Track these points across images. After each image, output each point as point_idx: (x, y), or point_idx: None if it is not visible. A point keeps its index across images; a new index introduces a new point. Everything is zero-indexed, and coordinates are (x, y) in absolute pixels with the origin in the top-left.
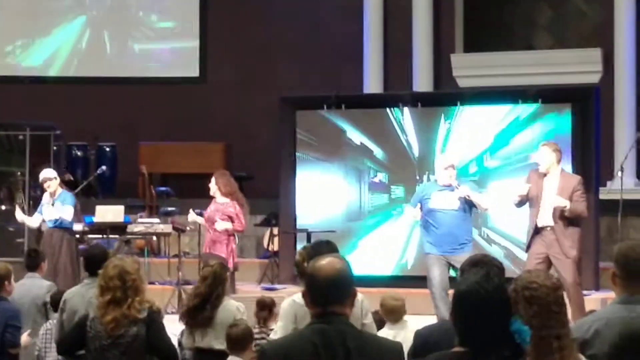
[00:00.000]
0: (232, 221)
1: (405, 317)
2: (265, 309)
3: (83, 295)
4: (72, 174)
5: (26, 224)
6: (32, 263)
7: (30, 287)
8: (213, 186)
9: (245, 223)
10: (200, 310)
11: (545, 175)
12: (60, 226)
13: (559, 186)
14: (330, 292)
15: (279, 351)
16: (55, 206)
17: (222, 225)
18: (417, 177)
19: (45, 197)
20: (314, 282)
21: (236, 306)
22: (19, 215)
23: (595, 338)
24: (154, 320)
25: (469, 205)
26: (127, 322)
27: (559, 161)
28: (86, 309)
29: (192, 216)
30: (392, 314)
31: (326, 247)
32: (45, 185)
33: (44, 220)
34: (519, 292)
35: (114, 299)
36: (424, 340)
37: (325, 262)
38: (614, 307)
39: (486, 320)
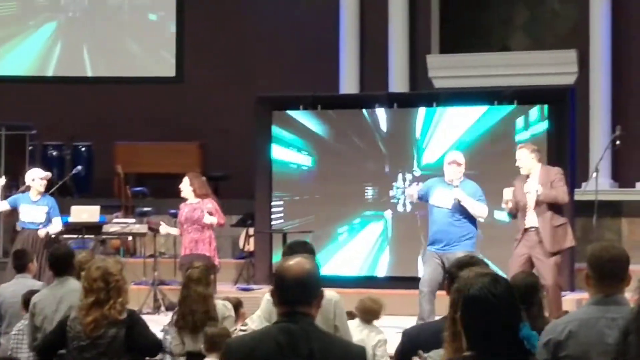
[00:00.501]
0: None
1: (376, 322)
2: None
3: (52, 297)
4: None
5: None
6: (20, 264)
7: (22, 288)
8: (187, 187)
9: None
10: (195, 314)
11: (527, 177)
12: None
13: (539, 182)
14: (297, 292)
15: (244, 347)
16: (39, 210)
17: (209, 219)
18: (395, 179)
19: (28, 195)
20: (282, 282)
21: (222, 304)
22: None
23: (569, 339)
24: (136, 321)
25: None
26: (106, 323)
27: (539, 160)
28: (57, 310)
29: (164, 228)
30: (367, 314)
31: (302, 248)
32: (37, 185)
33: (18, 219)
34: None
35: (98, 300)
36: (413, 340)
37: (294, 262)
38: (588, 308)
39: (495, 325)
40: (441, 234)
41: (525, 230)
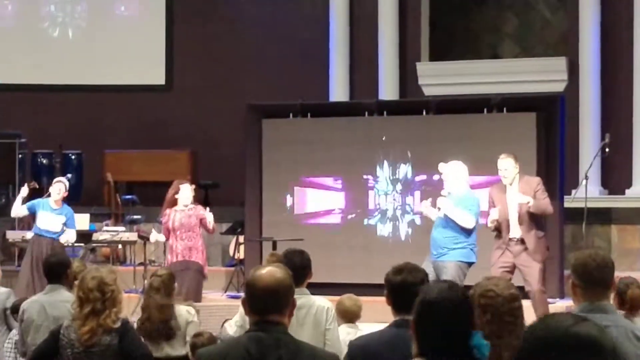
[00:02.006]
0: (202, 223)
1: (359, 323)
2: None
3: (42, 304)
4: (37, 182)
5: (14, 206)
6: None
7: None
8: (190, 194)
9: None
10: (158, 322)
11: (505, 187)
12: (56, 238)
13: (520, 191)
14: (268, 301)
15: (215, 357)
16: (59, 219)
17: (210, 216)
18: (385, 187)
19: (48, 202)
20: (253, 291)
21: (186, 310)
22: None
23: None
24: (128, 330)
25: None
26: (101, 332)
27: (520, 169)
28: (45, 319)
29: (154, 236)
30: (346, 313)
31: (299, 257)
32: (58, 190)
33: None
34: (475, 299)
35: (94, 310)
36: (362, 351)
37: (265, 271)
38: None
39: (448, 331)
40: (432, 242)
41: (510, 239)
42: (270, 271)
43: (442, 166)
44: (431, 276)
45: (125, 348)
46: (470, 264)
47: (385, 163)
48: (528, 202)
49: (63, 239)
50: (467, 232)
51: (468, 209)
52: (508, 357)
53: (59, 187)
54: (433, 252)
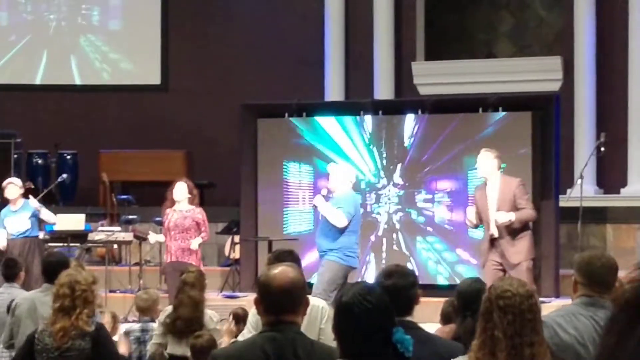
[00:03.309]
0: (199, 227)
1: None
2: (240, 322)
3: (34, 302)
4: (32, 182)
5: None
6: (10, 273)
7: (9, 297)
8: (185, 194)
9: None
10: (195, 318)
11: (486, 185)
12: (29, 235)
13: (499, 194)
14: (283, 301)
15: (230, 358)
16: (23, 216)
17: (196, 243)
18: (380, 186)
19: (8, 208)
20: (268, 291)
21: (209, 315)
22: None
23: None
24: (102, 334)
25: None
26: (75, 335)
27: (499, 168)
28: (29, 316)
29: (153, 237)
30: None
31: (289, 256)
32: (10, 193)
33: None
34: (493, 301)
35: (63, 307)
36: None
37: (279, 271)
38: (577, 307)
39: (369, 331)
40: (316, 241)
41: (493, 238)
42: (283, 271)
43: (330, 166)
44: None
45: (98, 352)
46: (350, 268)
47: (381, 163)
48: (510, 221)
49: (45, 217)
50: (343, 234)
51: (340, 207)
52: (529, 354)
53: (10, 189)
54: (318, 252)
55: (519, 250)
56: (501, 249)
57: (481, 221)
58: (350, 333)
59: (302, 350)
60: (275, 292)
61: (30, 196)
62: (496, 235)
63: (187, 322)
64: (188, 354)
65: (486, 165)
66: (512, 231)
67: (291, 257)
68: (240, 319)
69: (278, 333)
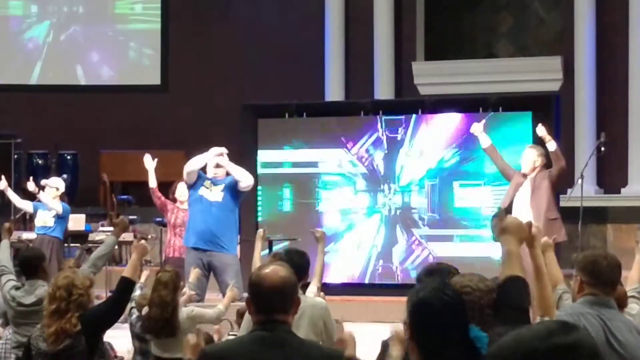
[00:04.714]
0: None
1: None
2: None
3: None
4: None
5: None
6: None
7: None
8: (186, 192)
9: None
10: (164, 320)
11: (524, 176)
12: (50, 234)
13: (531, 188)
14: (274, 300)
15: (219, 355)
16: (46, 213)
17: None
18: (381, 186)
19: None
20: (259, 290)
21: (191, 316)
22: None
23: None
24: (87, 322)
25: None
26: (65, 337)
27: (542, 165)
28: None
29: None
30: None
31: (299, 257)
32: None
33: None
34: None
35: (58, 309)
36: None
37: (270, 270)
38: (583, 306)
39: (446, 327)
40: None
41: None
42: (274, 270)
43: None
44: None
45: (97, 322)
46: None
47: (381, 162)
48: (552, 151)
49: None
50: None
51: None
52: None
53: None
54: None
55: (550, 234)
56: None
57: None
58: (429, 329)
59: (290, 350)
60: (266, 291)
61: (41, 191)
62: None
63: (155, 322)
64: (165, 355)
65: (529, 162)
66: (546, 212)
67: (302, 257)
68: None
69: (268, 332)
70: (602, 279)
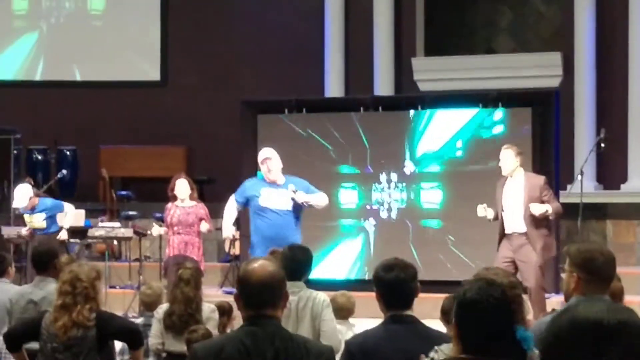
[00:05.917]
0: (200, 222)
1: (352, 320)
2: (224, 315)
3: (23, 297)
4: (32, 178)
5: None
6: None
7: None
8: (186, 190)
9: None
10: (180, 315)
11: (506, 180)
12: (48, 233)
13: (525, 188)
14: (263, 295)
15: (210, 351)
16: (37, 216)
17: (205, 226)
18: (379, 180)
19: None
20: (247, 285)
21: (208, 307)
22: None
23: None
24: (104, 318)
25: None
26: (76, 329)
27: (521, 164)
28: (23, 312)
29: (156, 230)
30: (340, 311)
31: (302, 252)
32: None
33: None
34: None
35: (64, 304)
36: (360, 348)
37: (258, 265)
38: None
39: (493, 327)
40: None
41: (506, 234)
42: (262, 265)
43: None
44: None
45: (110, 332)
46: None
47: (381, 158)
48: (547, 211)
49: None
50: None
51: (311, 189)
52: None
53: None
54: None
55: (546, 248)
56: (519, 244)
57: (496, 217)
58: (475, 329)
59: (281, 344)
60: (255, 286)
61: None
62: (515, 230)
63: (180, 318)
64: (185, 350)
65: (509, 163)
66: (539, 228)
67: (304, 252)
68: (225, 312)
69: (258, 327)
70: (600, 276)
